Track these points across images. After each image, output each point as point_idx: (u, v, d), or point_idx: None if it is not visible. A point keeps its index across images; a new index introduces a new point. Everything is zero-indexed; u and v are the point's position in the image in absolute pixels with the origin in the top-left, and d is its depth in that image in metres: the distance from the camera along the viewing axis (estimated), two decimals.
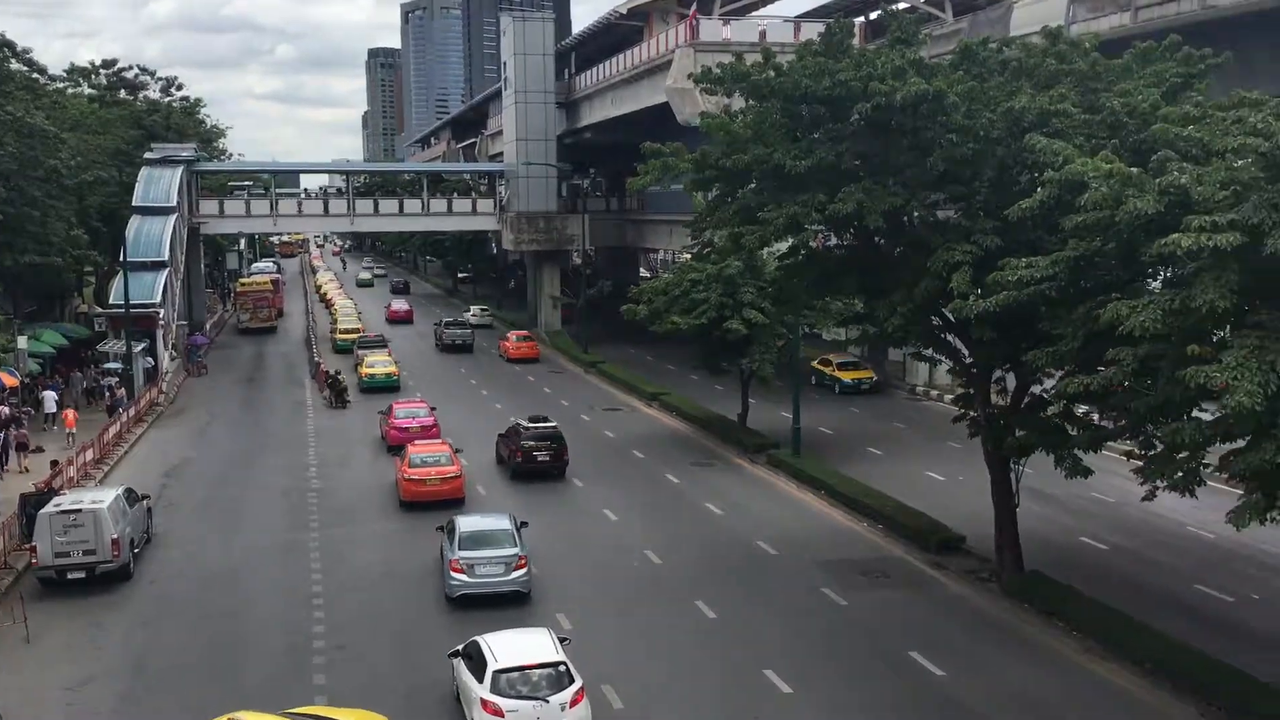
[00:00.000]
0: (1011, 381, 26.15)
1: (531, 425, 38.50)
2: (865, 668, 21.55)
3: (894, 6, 60.13)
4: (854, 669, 21.51)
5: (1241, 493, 17.43)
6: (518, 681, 17.86)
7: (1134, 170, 18.49)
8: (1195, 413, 18.39)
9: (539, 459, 37.47)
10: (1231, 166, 17.22)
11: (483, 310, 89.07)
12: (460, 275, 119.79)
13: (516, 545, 25.56)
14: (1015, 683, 20.76)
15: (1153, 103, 21.65)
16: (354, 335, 71.86)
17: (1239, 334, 16.40)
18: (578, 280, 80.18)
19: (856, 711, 19.69)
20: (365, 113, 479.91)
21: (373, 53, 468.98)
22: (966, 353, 26.48)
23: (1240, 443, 17.11)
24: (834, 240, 29.40)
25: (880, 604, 25.20)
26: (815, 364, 56.71)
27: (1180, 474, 18.43)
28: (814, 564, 28.12)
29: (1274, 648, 22.21)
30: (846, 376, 55.37)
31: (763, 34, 57.65)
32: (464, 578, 24.98)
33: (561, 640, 19.30)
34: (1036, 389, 25.48)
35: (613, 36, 75.29)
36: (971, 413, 27.50)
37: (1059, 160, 20.10)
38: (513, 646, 18.64)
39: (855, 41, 27.03)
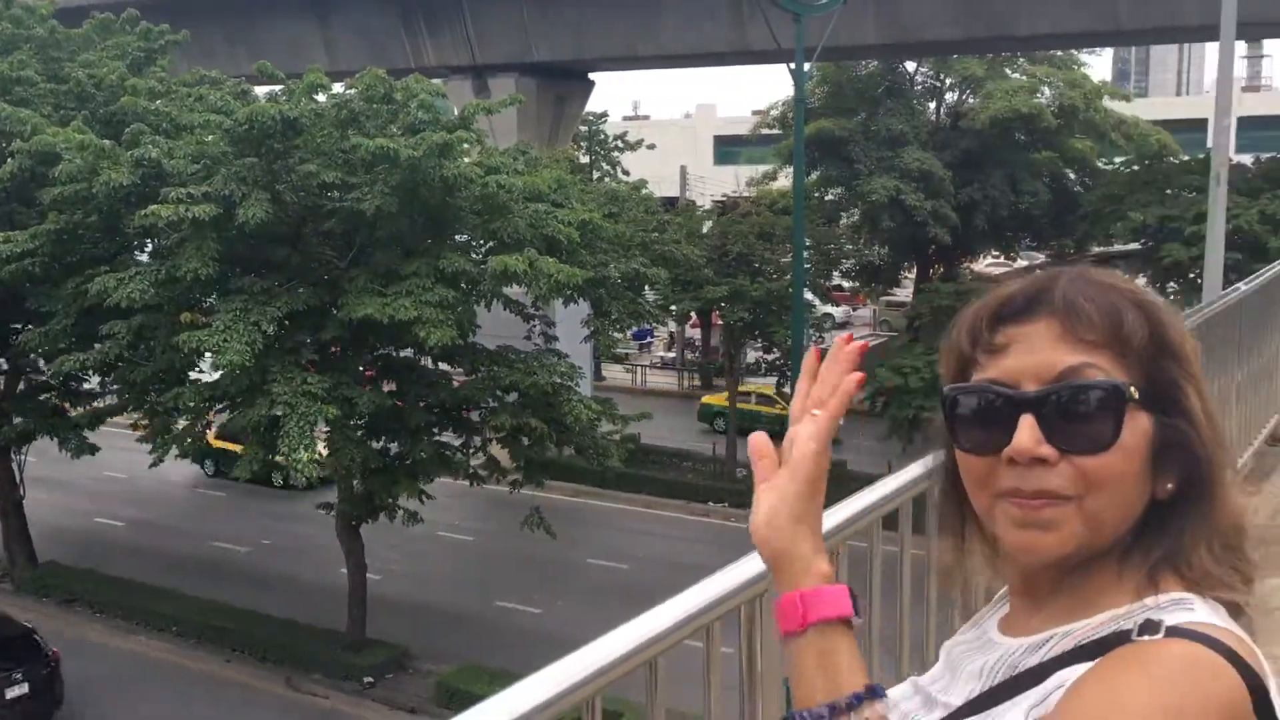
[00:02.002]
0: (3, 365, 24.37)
1: None
2: None
3: None
4: None
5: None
6: None
7: (107, 142, 18.42)
8: (195, 376, 19.21)
9: None
10: (201, 141, 18.14)
11: None
12: None
13: None
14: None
15: (120, 75, 21.70)
16: None
17: (225, 299, 17.51)
18: None
19: None
20: None
21: None
22: None
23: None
24: None
25: None
26: None
27: (189, 439, 19.14)
28: None
29: (280, 584, 24.36)
30: None
31: None
32: None
33: None
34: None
35: None
36: None
37: (27, 130, 19.17)
38: None
39: None
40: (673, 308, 33.30)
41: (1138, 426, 1.16)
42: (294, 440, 16.80)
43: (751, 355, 36.65)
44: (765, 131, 43.37)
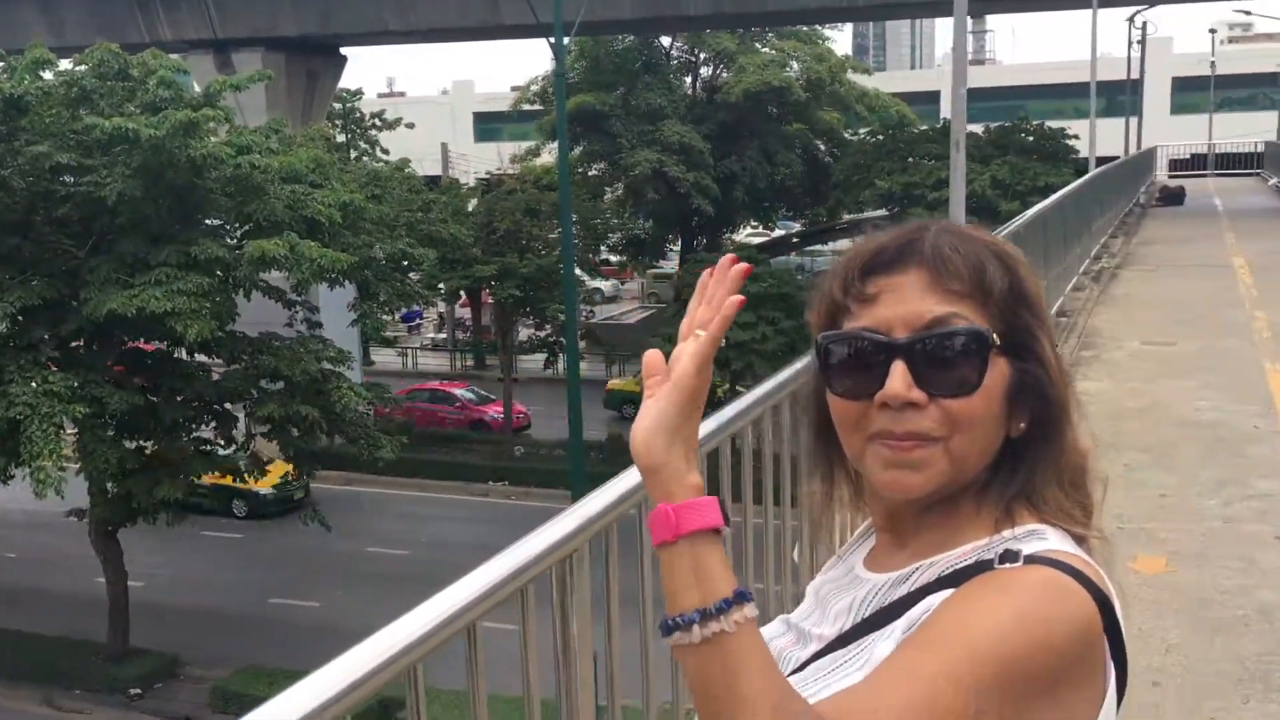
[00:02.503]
0: None
1: None
2: None
3: None
4: None
5: None
6: None
7: None
8: None
9: None
10: None
11: None
12: None
13: None
14: None
15: None
16: None
17: None
18: None
19: None
20: None
21: None
22: None
23: None
24: None
25: None
26: None
27: None
28: None
29: (30, 599, 22.66)
30: None
31: None
32: None
33: None
34: None
35: None
36: None
37: None
38: None
39: None
40: (441, 287, 32.81)
41: (998, 371, 1.23)
42: (38, 445, 15.57)
43: (524, 332, 36.59)
44: (526, 107, 43.27)
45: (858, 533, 1.46)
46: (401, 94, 74.55)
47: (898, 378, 1.21)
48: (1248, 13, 44.26)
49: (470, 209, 33.80)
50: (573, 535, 2.05)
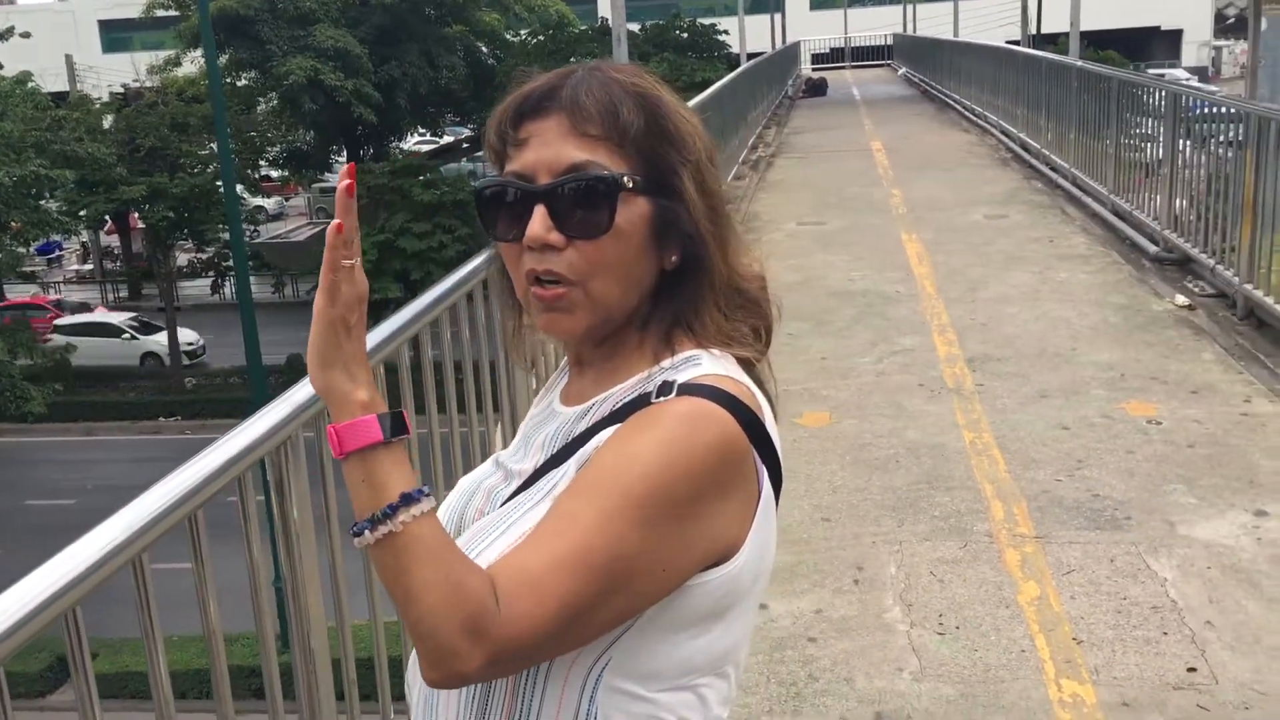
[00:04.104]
0: None
1: None
2: None
3: None
4: None
5: None
6: None
7: None
8: None
9: None
10: None
11: None
12: None
13: None
14: None
15: None
16: None
17: None
18: None
19: None
20: None
21: None
22: None
23: None
24: None
25: None
26: None
27: None
28: None
29: None
30: None
31: None
32: None
33: None
34: None
35: None
36: None
37: None
38: None
39: None
40: (83, 213, 30.11)
41: (635, 211, 1.27)
42: None
43: (183, 257, 34.31)
44: (160, 14, 39.87)
45: (560, 367, 1.51)
46: (12, 1, 66.69)
47: (537, 221, 1.26)
48: None
49: (107, 126, 31.03)
50: (245, 453, 2.01)
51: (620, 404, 1.29)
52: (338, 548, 2.41)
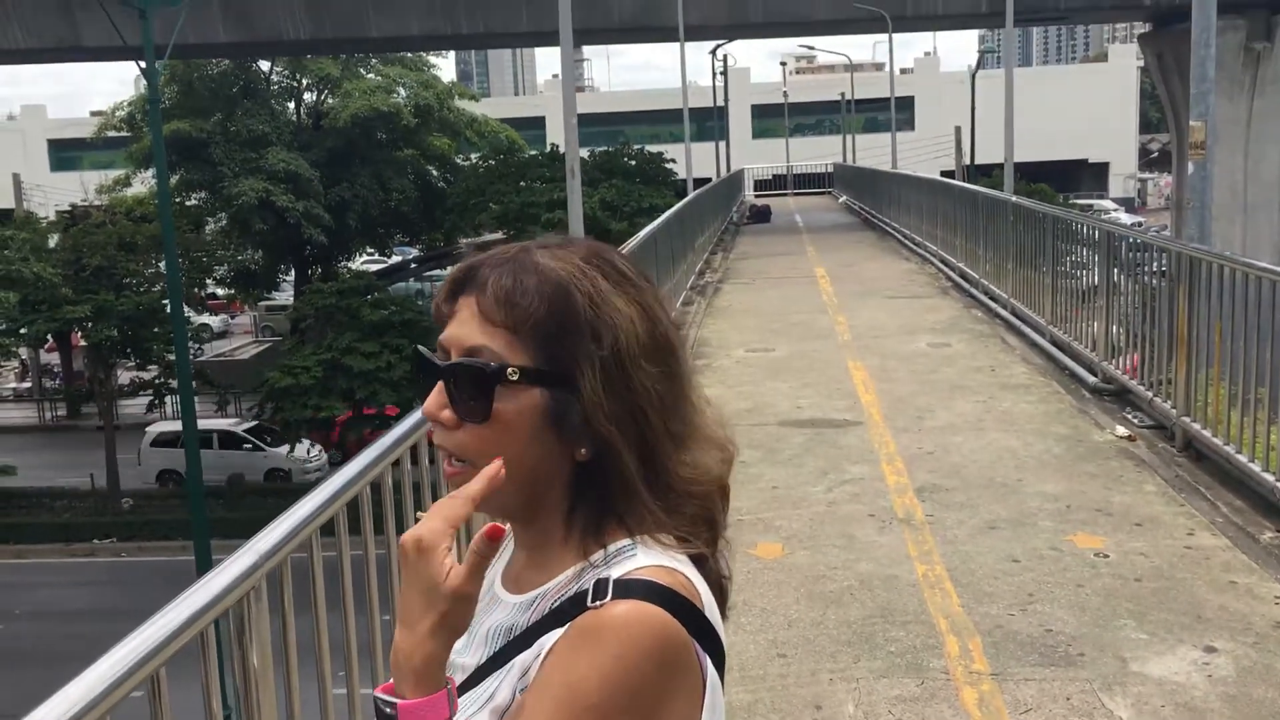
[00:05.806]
0: None
1: None
2: None
3: None
4: None
5: None
6: None
7: None
8: None
9: None
10: None
11: None
12: None
13: None
14: None
15: None
16: None
17: None
18: None
19: None
20: None
21: None
22: None
23: None
24: None
25: None
26: None
27: None
28: None
29: None
30: None
31: None
32: None
33: None
34: None
35: None
36: None
37: None
38: None
39: None
40: (23, 332, 29.71)
41: (524, 402, 1.25)
42: None
43: (125, 376, 33.84)
44: (111, 134, 40.14)
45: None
46: None
47: (432, 398, 1.28)
48: (810, 48, 49.05)
49: (53, 245, 30.87)
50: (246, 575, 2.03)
51: (560, 601, 1.26)
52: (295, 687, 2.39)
